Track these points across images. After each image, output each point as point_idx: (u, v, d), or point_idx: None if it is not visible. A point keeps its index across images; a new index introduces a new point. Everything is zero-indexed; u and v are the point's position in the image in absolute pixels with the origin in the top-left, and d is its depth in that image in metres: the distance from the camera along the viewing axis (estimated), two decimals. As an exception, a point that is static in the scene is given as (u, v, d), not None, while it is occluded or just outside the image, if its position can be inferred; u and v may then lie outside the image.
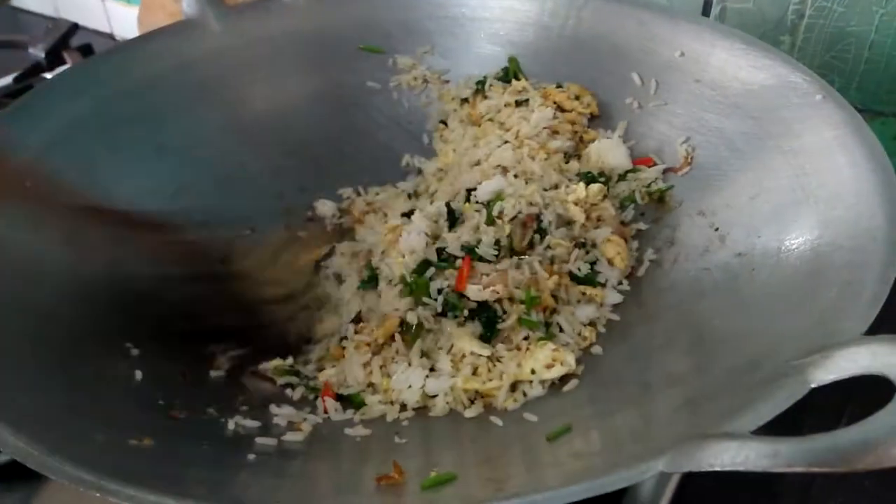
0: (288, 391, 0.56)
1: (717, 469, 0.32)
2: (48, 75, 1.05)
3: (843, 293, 0.44)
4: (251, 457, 0.46)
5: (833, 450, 0.30)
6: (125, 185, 0.66)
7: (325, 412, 0.53)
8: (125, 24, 1.31)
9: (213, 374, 0.56)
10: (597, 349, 0.57)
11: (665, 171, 0.68)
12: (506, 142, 0.70)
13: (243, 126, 0.76)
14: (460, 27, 0.82)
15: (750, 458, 0.31)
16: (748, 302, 0.51)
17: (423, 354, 0.55)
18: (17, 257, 0.55)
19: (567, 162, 0.70)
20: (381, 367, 0.55)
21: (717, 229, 0.60)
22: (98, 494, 0.35)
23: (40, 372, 0.47)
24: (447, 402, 0.53)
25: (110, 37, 1.34)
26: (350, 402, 0.54)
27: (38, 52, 1.08)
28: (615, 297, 0.61)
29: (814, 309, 0.45)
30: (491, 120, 0.74)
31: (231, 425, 0.49)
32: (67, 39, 1.11)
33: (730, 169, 0.63)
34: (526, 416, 0.51)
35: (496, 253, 0.58)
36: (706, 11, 0.83)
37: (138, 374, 0.52)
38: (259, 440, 0.48)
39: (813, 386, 0.36)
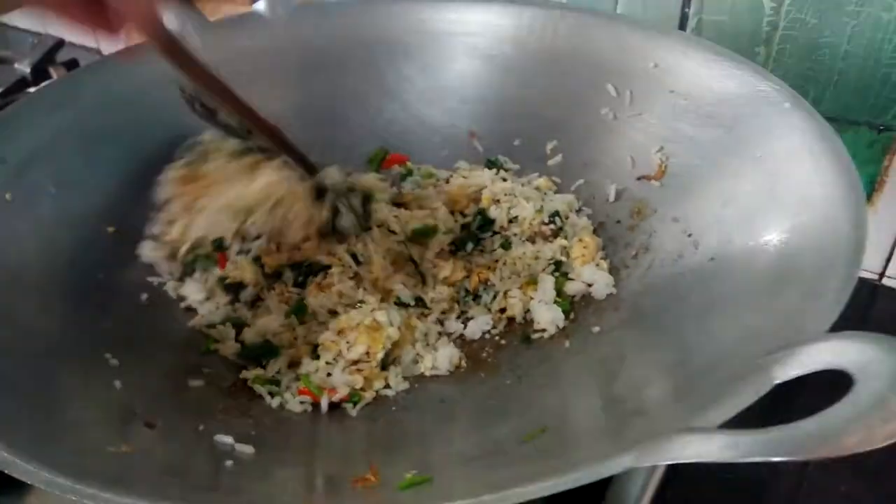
0: (268, 399, 0.56)
1: (683, 461, 0.32)
2: (33, 90, 1.05)
3: (808, 294, 0.45)
4: (228, 463, 0.46)
5: (791, 440, 0.30)
6: (105, 197, 0.66)
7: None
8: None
9: (192, 383, 0.56)
10: (572, 348, 0.58)
11: (639, 179, 0.70)
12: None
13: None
14: (439, 42, 0.83)
15: (712, 450, 0.32)
16: (719, 304, 0.52)
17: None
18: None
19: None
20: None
21: (690, 235, 0.61)
22: (75, 498, 0.35)
23: (19, 379, 0.47)
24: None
25: (97, 52, 1.35)
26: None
27: (23, 68, 1.09)
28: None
29: (780, 309, 0.46)
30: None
31: (209, 433, 0.50)
32: (53, 55, 1.12)
33: (702, 176, 0.64)
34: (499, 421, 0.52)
35: None
36: (683, 24, 0.85)
37: (117, 384, 0.52)
38: (238, 447, 0.48)
39: (777, 381, 0.37)
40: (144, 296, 0.63)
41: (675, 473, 0.60)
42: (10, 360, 0.49)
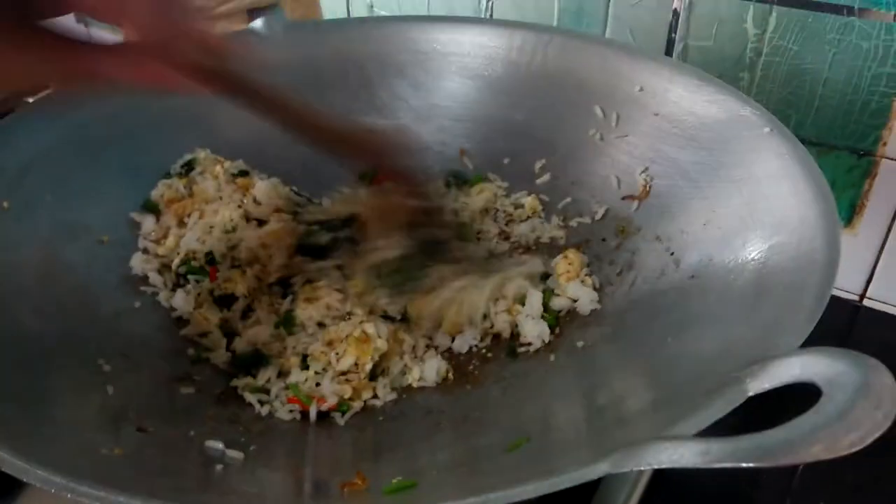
0: (257, 406, 0.57)
1: (656, 466, 0.34)
2: (30, 99, 1.06)
3: (783, 310, 0.47)
4: (219, 467, 0.47)
5: (759, 448, 0.32)
6: (101, 205, 0.67)
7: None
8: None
9: (183, 390, 0.57)
10: (557, 362, 0.60)
11: (624, 199, 0.71)
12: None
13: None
14: (432, 61, 0.85)
15: (685, 455, 0.33)
16: (699, 320, 0.54)
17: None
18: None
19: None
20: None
21: (672, 254, 0.63)
22: (70, 496, 0.36)
23: (13, 380, 0.48)
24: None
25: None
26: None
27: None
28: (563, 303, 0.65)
29: (756, 325, 0.47)
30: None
31: (200, 439, 0.51)
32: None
33: (685, 197, 0.66)
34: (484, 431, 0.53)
35: None
36: (669, 49, 0.87)
37: (110, 389, 0.53)
38: (228, 452, 0.49)
39: (750, 394, 0.39)
40: (137, 303, 0.64)
41: (659, 485, 0.62)
42: (5, 359, 0.50)
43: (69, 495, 0.36)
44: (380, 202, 0.65)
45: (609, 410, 0.49)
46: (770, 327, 0.46)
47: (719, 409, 0.38)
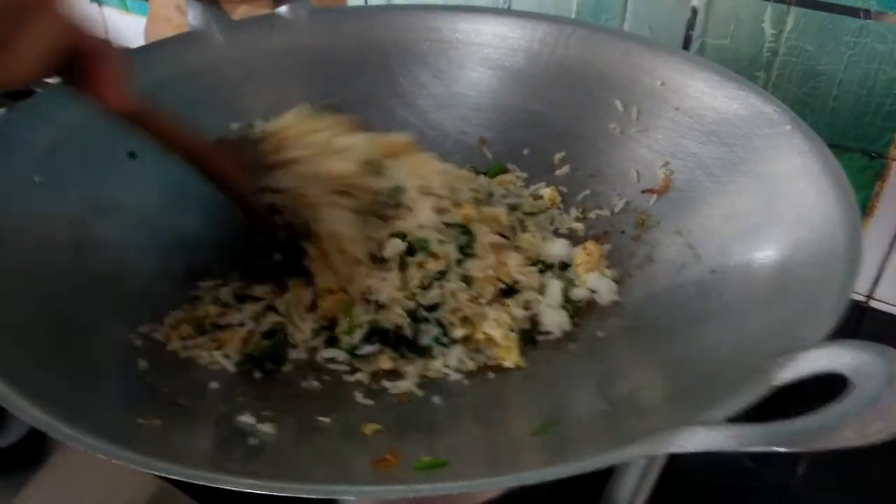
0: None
1: (689, 450, 0.35)
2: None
3: (806, 305, 0.48)
4: (252, 441, 0.48)
5: (792, 433, 0.33)
6: (130, 182, 0.68)
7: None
8: (123, 30, 1.34)
9: (213, 367, 0.59)
10: (577, 351, 0.61)
11: (644, 192, 0.73)
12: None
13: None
14: (454, 50, 0.86)
15: (718, 439, 0.34)
16: (720, 313, 0.55)
17: None
18: (27, 248, 0.58)
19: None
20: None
21: (692, 248, 0.64)
22: (121, 463, 0.37)
23: (53, 354, 0.49)
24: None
25: (107, 44, 1.37)
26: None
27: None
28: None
29: (779, 319, 0.48)
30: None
31: (231, 414, 0.52)
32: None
33: (705, 192, 0.67)
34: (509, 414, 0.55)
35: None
36: (686, 46, 0.88)
37: (142, 363, 0.54)
38: (260, 427, 0.50)
39: (776, 384, 0.40)
40: (167, 281, 0.65)
41: (667, 483, 0.63)
42: (43, 332, 0.51)
43: (115, 461, 0.37)
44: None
45: (633, 398, 0.50)
46: (792, 321, 0.47)
47: (747, 397, 0.39)
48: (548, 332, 0.64)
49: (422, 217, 0.65)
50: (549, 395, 0.57)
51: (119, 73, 0.52)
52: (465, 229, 0.66)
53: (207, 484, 0.36)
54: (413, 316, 0.61)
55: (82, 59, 0.50)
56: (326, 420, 0.54)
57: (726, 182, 0.66)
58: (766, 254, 0.56)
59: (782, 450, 0.33)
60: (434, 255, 0.63)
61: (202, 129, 0.63)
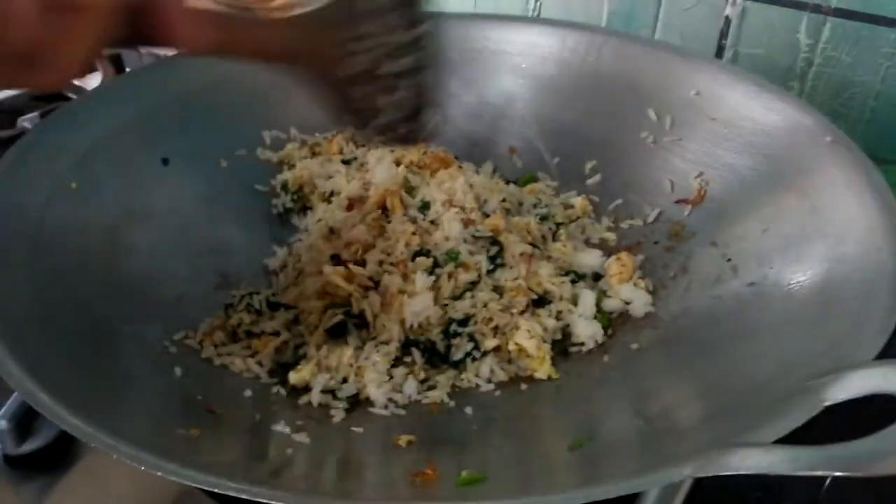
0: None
1: (743, 472, 0.34)
2: (77, 82, 1.08)
3: (853, 322, 0.47)
4: (289, 451, 0.48)
5: (850, 457, 0.32)
6: (164, 189, 0.68)
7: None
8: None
9: (247, 375, 0.58)
10: (611, 363, 0.60)
11: (678, 203, 0.72)
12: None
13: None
14: (483, 59, 0.85)
15: (774, 462, 0.33)
16: (760, 329, 0.54)
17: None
18: (64, 253, 0.58)
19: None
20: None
21: (729, 260, 0.63)
22: (158, 474, 0.37)
23: (89, 362, 0.49)
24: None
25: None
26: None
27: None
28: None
29: (825, 336, 0.48)
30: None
31: (266, 423, 0.52)
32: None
33: (742, 203, 0.66)
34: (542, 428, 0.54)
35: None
36: (719, 55, 0.87)
37: (178, 371, 0.54)
38: (295, 436, 0.50)
39: (826, 404, 0.39)
40: (200, 286, 0.65)
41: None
42: (82, 339, 0.51)
43: (158, 473, 0.37)
44: None
45: (666, 415, 0.50)
46: (840, 338, 0.46)
47: (796, 418, 0.38)
48: (580, 344, 0.63)
49: (448, 230, 0.65)
50: (582, 408, 0.56)
51: (190, 9, 0.47)
52: (494, 240, 0.66)
53: (250, 498, 0.36)
54: (445, 331, 0.61)
55: (146, 12, 0.44)
56: (360, 430, 0.54)
57: (764, 194, 0.65)
58: (807, 268, 0.55)
59: (841, 474, 0.32)
60: (464, 266, 0.63)
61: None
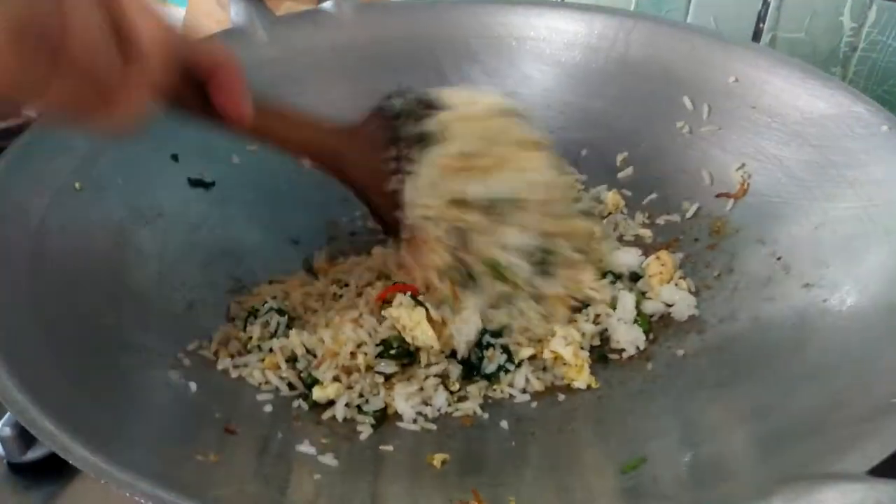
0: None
1: (839, 509, 0.30)
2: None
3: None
4: (317, 477, 0.44)
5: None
6: (173, 188, 0.64)
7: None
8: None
9: (265, 387, 0.54)
10: (655, 371, 0.56)
11: (719, 196, 0.67)
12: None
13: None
14: (506, 46, 0.81)
15: (883, 502, 0.29)
16: (824, 335, 0.50)
17: None
18: (66, 258, 0.54)
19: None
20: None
21: (779, 258, 0.59)
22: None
23: (92, 376, 0.46)
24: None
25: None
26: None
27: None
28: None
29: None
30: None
31: (289, 442, 0.48)
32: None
33: (790, 197, 0.62)
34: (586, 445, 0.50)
35: None
36: (756, 39, 0.83)
37: (193, 386, 0.50)
38: (321, 458, 0.46)
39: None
40: (211, 293, 0.61)
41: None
42: (78, 355, 0.47)
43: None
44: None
45: (730, 435, 0.45)
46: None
47: (890, 441, 0.34)
48: (621, 350, 0.59)
49: (509, 237, 0.58)
50: (626, 423, 0.52)
51: (241, 83, 0.46)
52: (545, 250, 0.60)
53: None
54: (478, 342, 0.56)
55: (197, 79, 0.44)
56: (389, 448, 0.50)
57: (814, 187, 0.61)
58: (871, 267, 0.51)
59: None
60: (506, 277, 0.58)
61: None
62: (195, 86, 0.45)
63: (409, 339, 0.55)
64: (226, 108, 0.46)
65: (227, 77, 0.46)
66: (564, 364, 0.58)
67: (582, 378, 0.57)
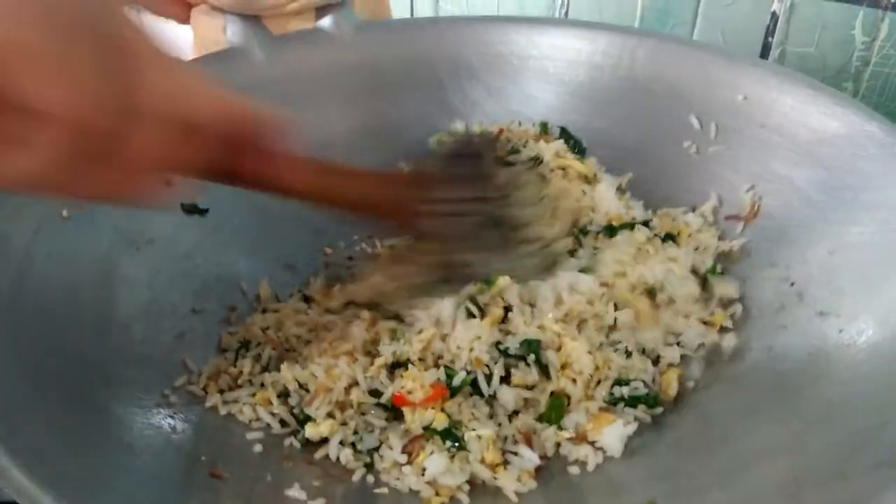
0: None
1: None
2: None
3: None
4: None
5: None
6: (166, 220, 0.62)
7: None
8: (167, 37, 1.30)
9: (255, 424, 0.52)
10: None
11: (728, 219, 0.65)
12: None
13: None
14: (508, 65, 0.79)
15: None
16: (841, 367, 0.47)
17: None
18: (50, 289, 0.52)
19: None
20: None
21: (792, 284, 0.57)
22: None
23: (71, 417, 0.43)
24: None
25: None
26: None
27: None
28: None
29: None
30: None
31: (279, 486, 0.45)
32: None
33: (803, 220, 0.60)
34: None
35: None
36: (764, 55, 0.81)
37: (178, 424, 0.48)
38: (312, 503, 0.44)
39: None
40: (201, 323, 0.59)
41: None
42: (58, 393, 0.45)
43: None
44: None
45: (747, 476, 0.43)
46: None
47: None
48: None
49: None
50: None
51: (290, 152, 0.40)
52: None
53: None
54: None
55: (236, 149, 0.37)
56: (384, 491, 0.47)
57: (828, 210, 0.58)
58: (891, 300, 0.49)
59: None
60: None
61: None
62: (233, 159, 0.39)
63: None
64: (274, 182, 0.41)
65: (268, 146, 0.40)
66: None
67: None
